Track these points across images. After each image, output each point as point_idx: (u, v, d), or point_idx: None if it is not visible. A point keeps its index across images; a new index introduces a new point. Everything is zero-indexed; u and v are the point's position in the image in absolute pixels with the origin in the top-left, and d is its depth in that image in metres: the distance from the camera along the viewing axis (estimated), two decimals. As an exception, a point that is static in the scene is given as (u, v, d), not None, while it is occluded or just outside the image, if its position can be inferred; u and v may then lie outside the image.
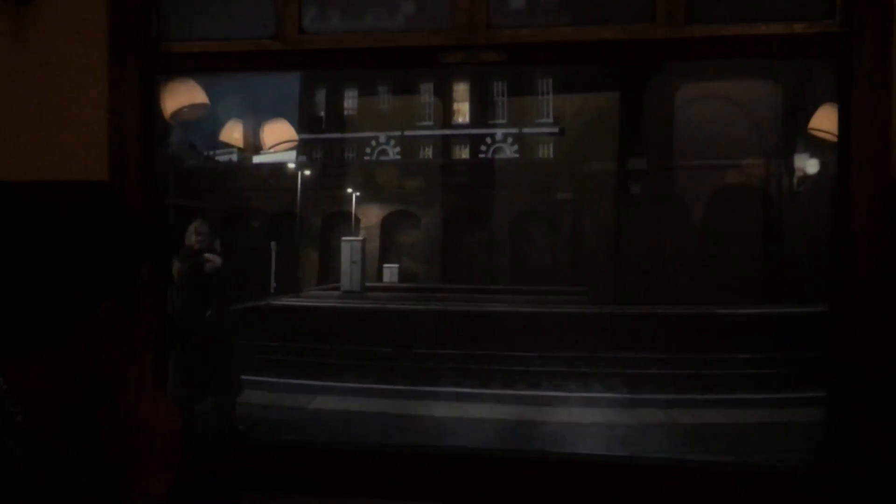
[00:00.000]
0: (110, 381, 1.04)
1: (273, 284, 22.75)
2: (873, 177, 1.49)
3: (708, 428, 6.70)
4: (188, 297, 5.21)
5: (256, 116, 7.83)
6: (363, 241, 23.88)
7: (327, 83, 27.35)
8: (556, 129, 24.50)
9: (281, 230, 25.03)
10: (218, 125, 6.62)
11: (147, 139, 1.76)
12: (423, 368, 9.99)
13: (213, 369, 5.14)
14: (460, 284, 21.53)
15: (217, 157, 22.78)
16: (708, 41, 1.64)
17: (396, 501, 1.66)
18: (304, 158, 25.71)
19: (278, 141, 6.60)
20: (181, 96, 2.15)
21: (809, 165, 17.12)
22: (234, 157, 23.29)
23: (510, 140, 26.72)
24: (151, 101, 1.80)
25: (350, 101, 28.38)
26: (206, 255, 5.35)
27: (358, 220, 26.80)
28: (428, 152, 27.69)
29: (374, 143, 27.46)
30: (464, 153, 27.40)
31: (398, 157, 27.51)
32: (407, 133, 27.25)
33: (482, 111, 27.16)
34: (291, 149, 17.50)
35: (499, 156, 26.59)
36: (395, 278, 25.08)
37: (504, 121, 26.95)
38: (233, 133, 7.18)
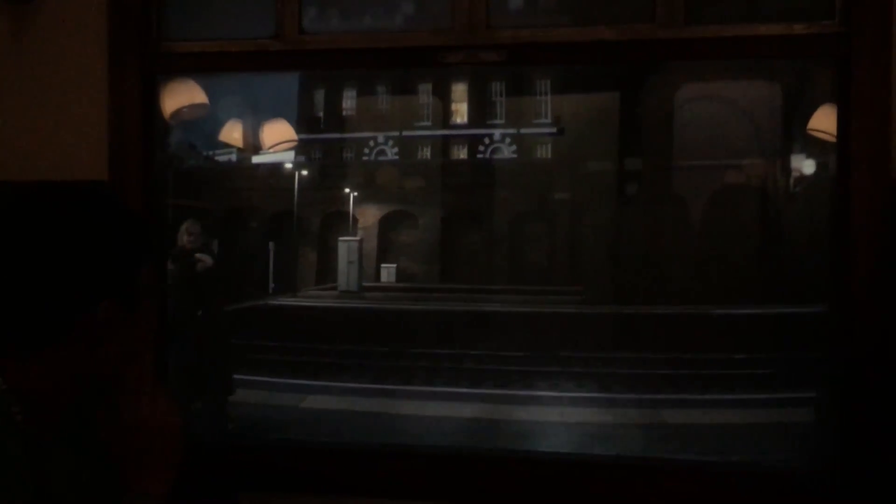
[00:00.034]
0: (110, 381, 1.04)
1: (271, 284, 22.76)
2: (873, 177, 1.49)
3: (700, 428, 6.70)
4: (179, 297, 5.20)
5: (255, 116, 7.83)
6: (360, 241, 23.90)
7: (326, 83, 27.39)
8: (554, 130, 24.52)
9: (279, 230, 25.04)
10: (217, 125, 6.61)
11: (147, 139, 1.76)
12: (419, 368, 10.00)
13: (205, 369, 5.14)
14: (458, 284, 21.55)
15: (216, 157, 22.79)
16: (708, 41, 1.64)
17: (396, 501, 1.66)
18: (302, 158, 25.74)
19: (278, 141, 6.60)
20: (181, 96, 2.15)
21: (808, 166, 17.14)
22: (234, 157, 23.30)
23: (508, 140, 26.75)
24: (151, 101, 1.80)
25: (349, 102, 28.41)
26: (198, 255, 5.35)
27: (356, 220, 26.81)
28: (426, 152, 27.72)
29: (372, 143, 27.50)
30: (462, 153, 27.44)
31: (396, 157, 27.54)
32: (405, 133, 27.29)
33: (480, 111, 27.19)
34: (291, 149, 17.50)
35: (497, 156, 26.61)
36: (393, 278, 25.12)
37: (502, 121, 26.98)
38: (232, 133, 7.18)
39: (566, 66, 18.49)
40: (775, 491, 1.58)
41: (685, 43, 1.64)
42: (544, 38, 1.68)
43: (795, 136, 17.97)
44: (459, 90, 27.40)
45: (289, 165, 24.84)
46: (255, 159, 23.17)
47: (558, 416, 7.23)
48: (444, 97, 27.36)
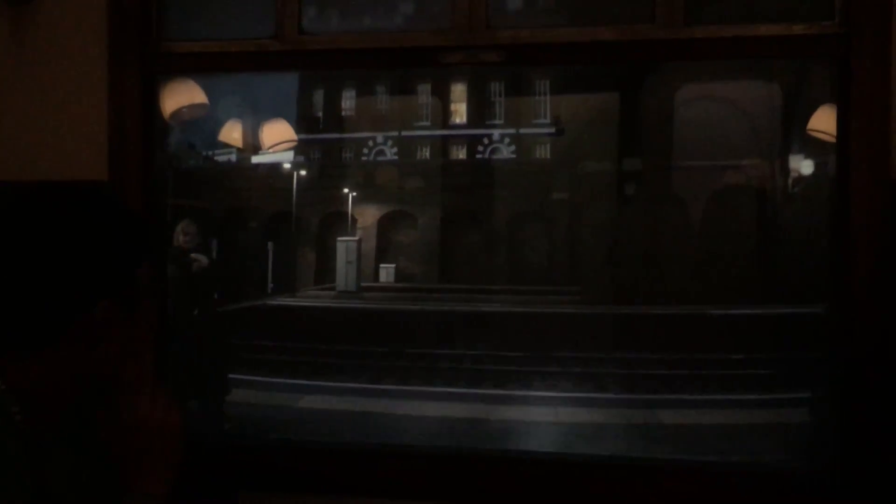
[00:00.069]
0: (110, 381, 1.04)
1: (270, 284, 22.77)
2: (872, 177, 1.49)
3: (695, 428, 6.70)
4: (175, 296, 5.21)
5: (255, 116, 7.84)
6: (359, 241, 23.90)
7: (325, 83, 27.40)
8: (553, 130, 24.54)
9: (279, 230, 25.05)
10: (217, 125, 6.61)
11: (147, 139, 1.76)
12: (416, 368, 10.01)
13: (201, 369, 5.14)
14: (457, 284, 21.56)
15: (216, 158, 22.79)
16: (707, 42, 1.64)
17: (396, 501, 1.66)
18: (301, 159, 25.75)
19: (277, 141, 6.60)
20: (181, 96, 2.15)
21: (808, 166, 17.16)
22: (233, 157, 23.29)
23: (507, 140, 26.76)
24: (151, 101, 1.80)
25: (348, 102, 28.42)
26: (193, 255, 5.36)
27: (355, 221, 26.82)
28: (425, 153, 27.73)
29: (371, 143, 27.52)
30: (461, 153, 27.46)
31: (395, 157, 27.55)
32: (404, 133, 27.31)
33: (480, 112, 27.20)
34: (290, 149, 17.50)
35: (496, 156, 26.63)
36: (392, 278, 25.14)
37: (501, 121, 26.99)
38: (232, 133, 7.18)
39: (566, 67, 18.51)
40: (775, 491, 1.58)
41: (685, 43, 1.64)
42: (544, 38, 1.68)
43: (794, 136, 17.98)
44: (458, 90, 27.41)
45: (288, 165, 24.85)
46: (255, 159, 23.17)
47: (554, 417, 7.23)
48: (443, 97, 27.38)
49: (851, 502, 1.52)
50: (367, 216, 27.21)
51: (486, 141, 26.86)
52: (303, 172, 26.05)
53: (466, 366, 9.96)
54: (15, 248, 0.97)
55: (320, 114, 28.26)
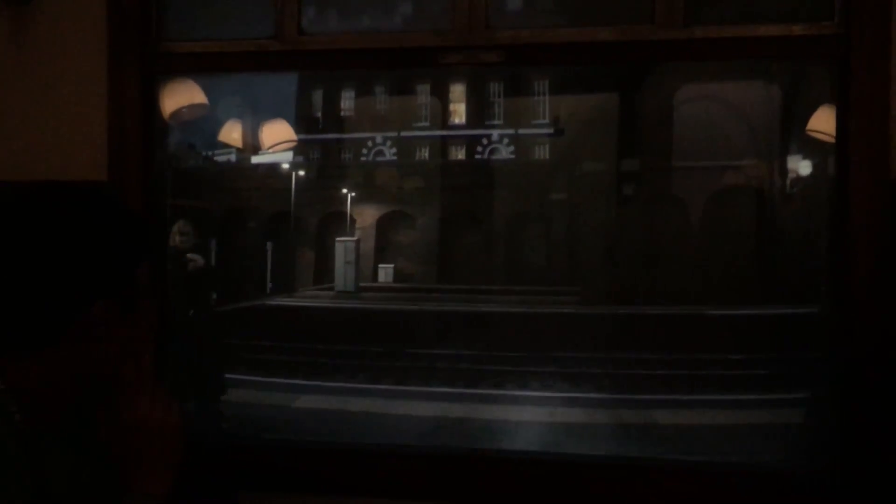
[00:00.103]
0: (110, 381, 1.04)
1: (269, 284, 22.77)
2: (872, 177, 1.50)
3: (690, 429, 6.69)
4: (172, 297, 5.21)
5: (254, 117, 7.82)
6: (357, 242, 23.90)
7: (324, 84, 27.39)
8: (551, 130, 24.55)
9: (278, 230, 25.06)
10: (217, 125, 6.60)
11: (147, 139, 1.76)
12: (413, 368, 10.01)
13: (197, 369, 5.14)
14: (456, 285, 21.55)
15: (216, 158, 22.78)
16: (707, 42, 1.64)
17: (396, 501, 1.66)
18: (301, 159, 25.75)
19: (277, 141, 6.59)
20: (180, 96, 2.15)
21: (807, 166, 17.17)
22: (233, 158, 23.28)
23: (506, 141, 26.76)
24: (151, 101, 1.80)
25: (347, 102, 28.41)
26: (189, 256, 5.36)
27: (354, 221, 26.82)
28: (424, 153, 27.73)
29: (370, 143, 27.51)
30: (460, 154, 27.44)
31: (394, 157, 27.55)
32: (403, 134, 27.30)
33: (479, 112, 27.20)
34: (290, 149, 17.48)
35: (495, 157, 26.63)
36: (391, 279, 25.14)
37: (500, 122, 26.99)
38: (231, 133, 7.17)
39: (565, 67, 18.52)
40: (775, 491, 1.58)
41: (684, 44, 1.64)
42: (543, 38, 1.68)
43: (794, 136, 17.99)
44: (458, 91, 27.40)
45: (287, 166, 24.86)
46: (255, 159, 23.16)
47: (549, 417, 7.24)
48: (442, 98, 27.37)
49: (851, 502, 1.52)
50: (366, 216, 27.21)
51: (485, 141, 26.84)
52: (301, 173, 26.07)
53: (464, 366, 9.95)
54: (14, 248, 0.97)
55: (319, 114, 28.25)
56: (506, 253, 24.90)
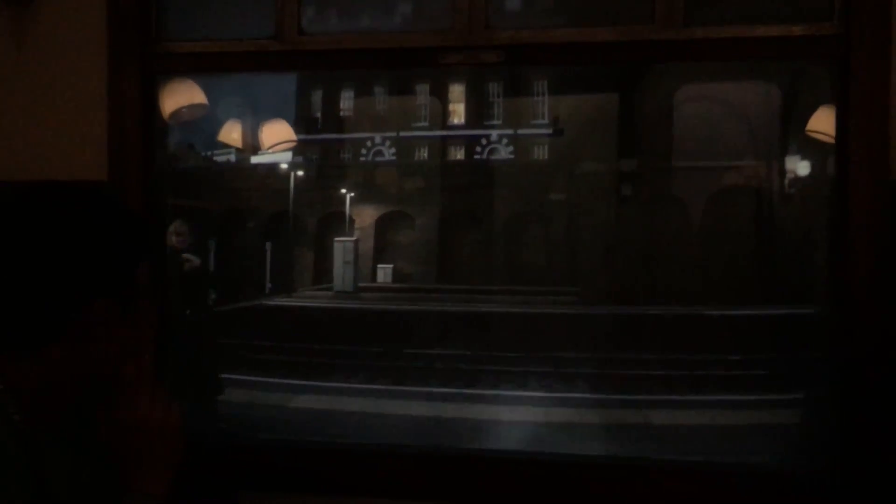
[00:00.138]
0: (109, 381, 1.04)
1: (268, 284, 22.77)
2: (872, 177, 1.50)
3: (685, 429, 6.70)
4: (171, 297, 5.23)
5: (254, 117, 7.83)
6: (356, 242, 23.89)
7: (324, 84, 27.38)
8: (550, 131, 24.54)
9: (277, 230, 25.06)
10: (216, 125, 6.60)
11: (147, 139, 1.76)
12: (411, 369, 10.02)
13: (193, 369, 5.15)
14: (454, 285, 21.55)
15: (215, 158, 22.78)
16: (707, 43, 1.64)
17: (396, 501, 1.66)
18: (300, 159, 25.75)
19: (277, 141, 6.59)
20: (180, 96, 2.15)
21: (807, 167, 17.18)
22: (233, 158, 23.28)
23: (505, 141, 26.75)
24: (151, 101, 1.80)
25: (346, 102, 28.40)
26: (185, 256, 5.37)
27: (353, 221, 26.81)
28: (423, 153, 27.72)
29: (369, 143, 27.49)
30: (459, 154, 27.43)
31: (394, 157, 27.54)
32: (403, 134, 27.28)
33: (478, 112, 27.19)
34: (289, 149, 17.48)
35: (494, 157, 26.62)
36: (390, 279, 25.14)
37: (499, 122, 26.98)
38: (231, 133, 7.17)
39: (565, 67, 18.52)
40: (775, 491, 1.58)
41: (684, 44, 1.64)
42: (543, 38, 1.68)
43: (793, 137, 18.00)
44: (457, 91, 27.39)
45: (286, 166, 24.85)
46: (254, 159, 23.16)
47: (544, 417, 7.24)
48: (441, 98, 27.36)
49: (851, 502, 1.52)
50: (366, 216, 27.22)
51: (484, 141, 26.83)
52: (300, 173, 26.07)
53: (462, 366, 9.96)
54: (13, 248, 0.97)
55: (319, 114, 28.24)
56: (505, 253, 24.90)
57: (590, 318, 14.24)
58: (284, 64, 1.81)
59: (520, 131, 26.31)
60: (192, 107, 2.33)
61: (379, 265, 26.04)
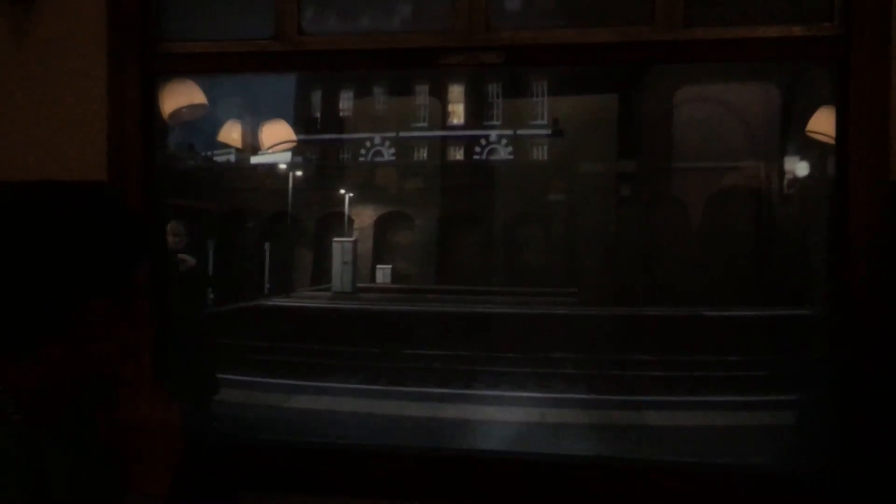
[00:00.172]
0: (109, 381, 1.04)
1: (267, 285, 22.76)
2: (872, 178, 1.50)
3: (677, 430, 6.69)
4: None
5: (253, 117, 7.83)
6: (354, 242, 23.90)
7: (323, 84, 27.38)
8: (549, 131, 24.55)
9: (276, 231, 25.05)
10: (216, 125, 6.60)
11: (147, 139, 1.76)
12: (408, 369, 10.02)
13: (189, 368, 5.17)
14: (453, 285, 21.55)
15: (215, 158, 22.77)
16: (706, 43, 1.64)
17: (396, 501, 1.66)
18: (299, 159, 25.75)
19: (277, 141, 6.60)
20: (180, 96, 2.15)
21: (807, 168, 17.17)
22: (233, 158, 23.27)
23: (505, 142, 26.75)
24: (151, 102, 1.80)
25: (346, 103, 28.40)
26: (181, 256, 5.39)
27: (352, 221, 26.81)
28: (423, 154, 27.71)
29: (369, 144, 27.49)
30: (458, 154, 27.42)
31: (393, 158, 27.54)
32: (402, 134, 27.27)
33: (477, 113, 27.19)
34: (289, 149, 17.48)
35: (493, 157, 26.62)
36: (388, 279, 25.14)
37: (499, 122, 26.98)
38: (231, 133, 7.18)
39: (564, 68, 18.53)
40: (775, 491, 1.58)
41: (684, 45, 1.65)
42: (543, 39, 1.68)
43: (793, 137, 18.00)
44: (456, 91, 27.39)
45: (285, 166, 24.85)
46: (254, 160, 23.16)
47: (539, 418, 7.25)
48: (441, 98, 27.36)
49: (851, 502, 1.52)
50: (365, 217, 27.21)
51: (483, 142, 26.82)
52: (299, 173, 26.07)
53: (460, 367, 9.97)
54: (11, 247, 0.97)
55: (318, 114, 28.23)
56: (504, 254, 24.88)
57: (589, 319, 14.22)
58: (284, 64, 1.82)
59: (519, 132, 26.31)
60: (192, 107, 2.33)
61: (378, 266, 26.05)
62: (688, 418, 7.04)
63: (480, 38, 1.68)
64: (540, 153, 26.31)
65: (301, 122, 27.21)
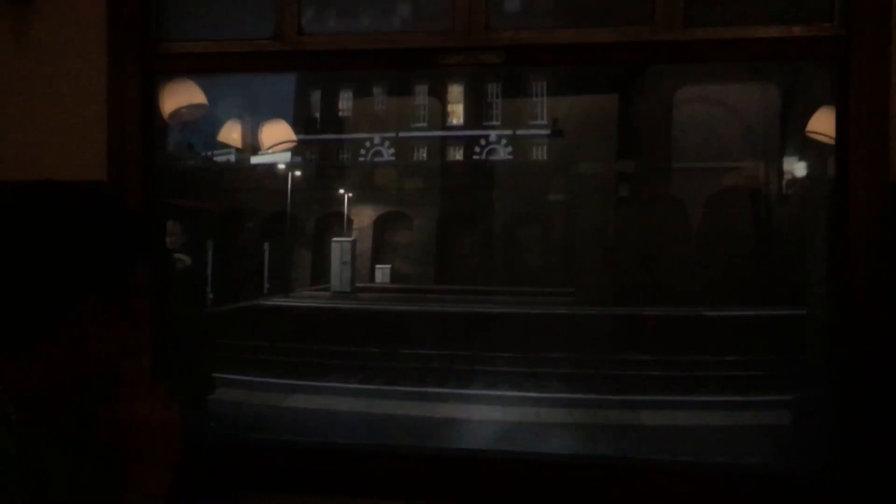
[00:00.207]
0: (109, 381, 1.04)
1: (266, 284, 22.76)
2: (872, 178, 1.50)
3: (673, 430, 6.70)
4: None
5: (253, 117, 7.82)
6: (353, 242, 23.90)
7: (323, 84, 27.37)
8: (549, 131, 24.54)
9: (275, 231, 25.04)
10: (216, 125, 6.59)
11: (146, 139, 1.76)
12: (405, 369, 10.03)
13: (184, 368, 5.17)
14: (452, 285, 21.55)
15: (215, 158, 22.75)
16: (706, 44, 1.64)
17: (396, 501, 1.66)
18: (299, 159, 25.74)
19: (277, 141, 6.59)
20: (180, 96, 2.15)
21: (805, 168, 17.15)
22: (232, 158, 23.25)
23: (504, 142, 26.75)
24: (151, 101, 1.80)
25: (345, 103, 28.39)
26: (177, 255, 5.39)
27: (351, 221, 26.81)
28: (422, 154, 27.71)
29: (368, 144, 27.49)
30: (458, 155, 27.43)
31: (392, 158, 27.54)
32: (402, 134, 27.28)
33: (477, 113, 27.19)
34: (289, 149, 17.47)
35: (493, 157, 26.62)
36: (388, 279, 25.14)
37: (498, 123, 26.99)
38: (231, 133, 7.16)
39: (564, 68, 18.53)
40: (775, 491, 1.58)
41: (684, 45, 1.65)
42: (544, 39, 1.69)
43: (793, 138, 17.99)
44: (456, 91, 27.39)
45: (284, 166, 24.85)
46: (254, 160, 23.15)
47: (535, 417, 7.24)
48: (440, 98, 27.36)
49: (851, 502, 1.52)
50: (364, 217, 27.21)
51: (482, 142, 26.82)
52: (298, 173, 26.07)
53: (458, 366, 9.97)
54: (9, 246, 0.97)
55: (318, 115, 28.23)
56: (503, 254, 24.89)
57: (587, 319, 14.22)
58: (284, 64, 1.82)
59: (519, 132, 26.31)
60: (191, 107, 2.33)
61: (377, 265, 26.05)
62: (686, 418, 7.05)
63: (480, 38, 1.68)
64: (539, 153, 26.31)
65: (301, 122, 27.20)
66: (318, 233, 26.70)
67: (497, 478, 1.67)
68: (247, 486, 1.68)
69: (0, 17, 1.74)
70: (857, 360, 1.50)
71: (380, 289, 23.08)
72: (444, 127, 27.48)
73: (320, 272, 25.11)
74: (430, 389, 8.64)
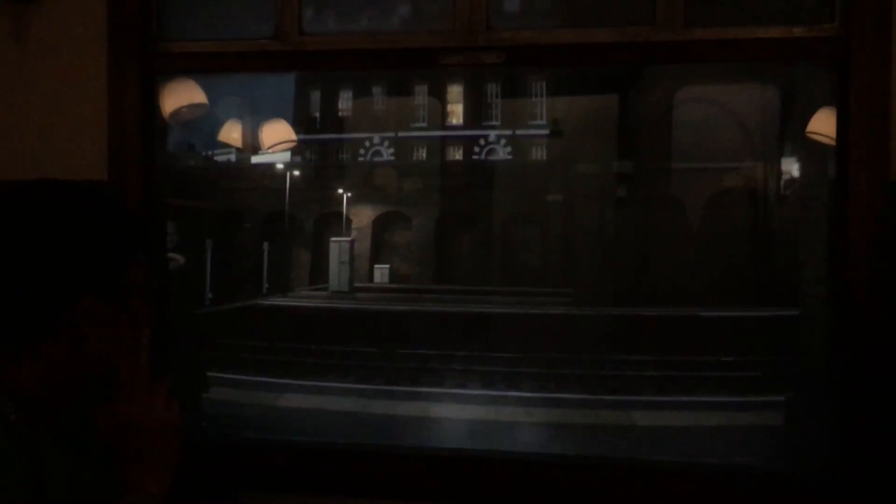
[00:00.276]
0: (108, 381, 1.04)
1: (265, 284, 22.75)
2: (872, 178, 1.50)
3: (670, 431, 6.71)
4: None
5: (253, 117, 7.83)
6: (352, 242, 23.89)
7: (322, 84, 27.38)
8: (548, 132, 24.55)
9: (274, 230, 25.03)
10: (216, 125, 6.59)
11: (147, 139, 1.76)
12: (404, 368, 10.03)
13: (178, 367, 5.18)
14: (451, 285, 21.54)
15: (215, 157, 22.75)
16: (707, 44, 1.64)
17: (396, 502, 1.66)
18: (298, 159, 25.74)
19: (277, 141, 6.59)
20: (180, 96, 2.15)
21: (805, 169, 17.13)
22: (233, 158, 23.25)
23: (503, 142, 26.76)
24: (151, 101, 1.80)
25: (345, 103, 28.40)
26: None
27: (350, 221, 26.80)
28: (422, 154, 27.72)
29: (368, 144, 27.49)
30: (457, 155, 27.43)
31: (392, 158, 27.54)
32: (401, 134, 27.28)
33: (476, 113, 27.19)
34: (289, 149, 17.47)
35: (492, 157, 26.63)
36: (386, 279, 25.13)
37: (498, 123, 26.99)
38: (231, 133, 7.17)
39: (564, 69, 18.53)
40: (775, 491, 1.58)
41: (684, 45, 1.64)
42: (544, 39, 1.68)
43: (793, 138, 17.97)
44: (455, 91, 27.40)
45: (283, 166, 24.85)
46: (255, 159, 23.16)
47: (529, 417, 7.25)
48: (440, 98, 27.36)
49: (851, 502, 1.52)
50: (363, 217, 27.21)
51: (482, 142, 26.84)
52: (298, 173, 26.06)
53: (454, 366, 9.97)
54: (9, 245, 0.97)
55: (317, 114, 28.23)
56: (502, 254, 24.88)
57: (585, 319, 14.23)
58: (285, 64, 1.82)
59: (518, 132, 26.32)
60: (192, 107, 2.32)
61: (376, 265, 26.04)
62: (683, 419, 7.05)
63: (480, 38, 1.68)
64: (539, 153, 26.32)
65: (301, 122, 27.21)
66: (317, 232, 26.69)
67: (497, 478, 1.67)
68: (246, 486, 1.67)
69: (0, 17, 1.74)
70: (857, 361, 1.50)
71: (378, 289, 23.07)
72: (444, 127, 27.49)
73: (319, 272, 25.11)
74: (427, 389, 8.65)
